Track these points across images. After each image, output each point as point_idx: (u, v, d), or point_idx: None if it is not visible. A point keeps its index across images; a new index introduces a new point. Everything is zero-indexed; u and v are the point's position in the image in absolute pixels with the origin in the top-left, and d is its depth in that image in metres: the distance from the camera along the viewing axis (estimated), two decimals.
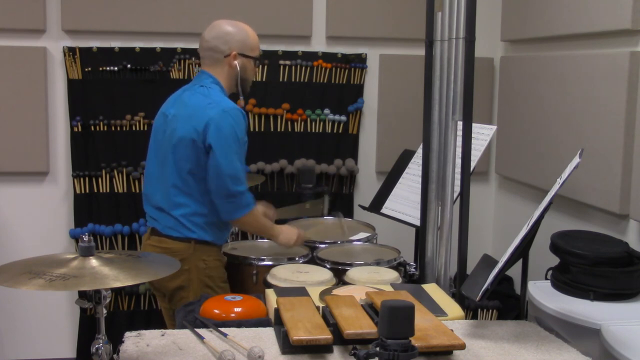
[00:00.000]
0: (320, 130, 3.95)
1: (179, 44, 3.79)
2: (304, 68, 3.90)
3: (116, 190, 3.79)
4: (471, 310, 3.11)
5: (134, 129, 3.78)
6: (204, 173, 2.52)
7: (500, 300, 3.25)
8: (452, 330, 1.78)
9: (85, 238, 1.72)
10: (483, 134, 2.93)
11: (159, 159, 2.64)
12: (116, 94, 3.76)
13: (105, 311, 1.69)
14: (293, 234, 2.76)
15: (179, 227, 2.57)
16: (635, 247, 2.68)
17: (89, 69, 3.72)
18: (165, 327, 2.74)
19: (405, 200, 3.08)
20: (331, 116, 3.93)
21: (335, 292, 2.18)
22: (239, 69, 2.63)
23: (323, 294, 2.17)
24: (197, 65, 3.77)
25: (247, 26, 2.69)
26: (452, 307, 2.15)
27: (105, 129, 3.76)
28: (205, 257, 2.59)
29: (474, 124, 2.52)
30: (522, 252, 2.08)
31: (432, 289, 2.32)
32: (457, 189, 2.60)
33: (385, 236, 3.19)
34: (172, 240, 2.58)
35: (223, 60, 2.63)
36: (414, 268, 2.80)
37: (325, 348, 1.77)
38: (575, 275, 2.54)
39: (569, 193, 3.07)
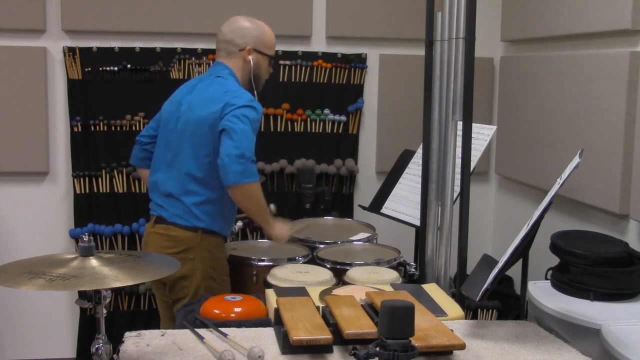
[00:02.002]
0: (320, 130, 3.95)
1: (179, 44, 3.79)
2: (304, 68, 3.90)
3: (116, 190, 3.79)
4: (471, 310, 3.11)
5: (134, 129, 3.77)
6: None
7: (500, 300, 3.25)
8: (452, 330, 1.78)
9: (85, 238, 1.72)
10: (483, 134, 2.93)
11: (171, 146, 2.64)
12: (116, 94, 3.76)
13: (105, 311, 1.69)
14: (286, 230, 2.71)
15: (187, 216, 2.57)
16: (635, 247, 2.68)
17: (89, 69, 3.72)
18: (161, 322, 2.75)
19: (405, 200, 3.08)
20: (331, 116, 3.93)
21: (335, 292, 2.18)
22: (252, 64, 2.65)
23: (323, 294, 2.17)
24: (197, 66, 3.77)
25: (265, 25, 2.73)
26: (452, 307, 2.16)
27: (105, 129, 3.76)
28: (211, 247, 2.60)
29: (474, 124, 2.52)
30: (522, 252, 2.08)
31: (432, 289, 2.33)
32: (457, 189, 2.60)
33: (385, 236, 3.19)
34: (179, 229, 2.58)
35: (238, 53, 2.66)
36: (414, 268, 2.80)
37: (325, 348, 1.77)
38: (575, 275, 2.54)
39: (569, 193, 3.07)
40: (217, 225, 2.61)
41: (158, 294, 2.79)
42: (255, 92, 2.69)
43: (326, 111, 3.93)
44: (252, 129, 2.49)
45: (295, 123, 3.92)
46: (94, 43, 3.74)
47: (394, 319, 1.44)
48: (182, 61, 3.79)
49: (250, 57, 2.65)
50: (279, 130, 3.90)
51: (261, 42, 2.68)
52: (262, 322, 2.05)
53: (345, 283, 2.45)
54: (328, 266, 2.67)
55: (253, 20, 2.71)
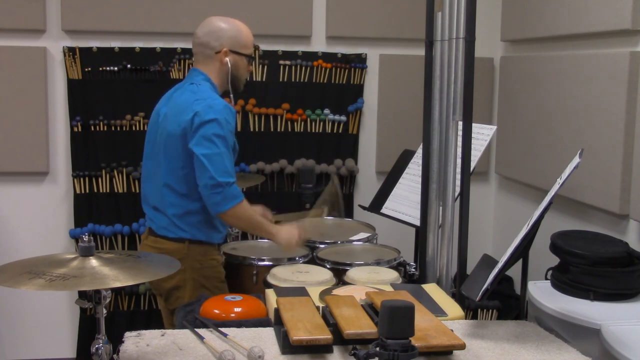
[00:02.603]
0: (320, 130, 3.95)
1: (179, 44, 3.79)
2: (304, 68, 3.90)
3: (116, 190, 3.79)
4: (471, 310, 3.11)
5: (134, 129, 3.78)
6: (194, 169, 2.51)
7: (500, 300, 3.25)
8: (452, 330, 1.78)
9: (85, 238, 1.72)
10: (483, 134, 2.93)
11: (153, 158, 2.63)
12: (116, 94, 3.76)
13: (105, 311, 1.69)
14: (293, 233, 2.66)
15: (172, 227, 2.57)
16: (635, 247, 2.68)
17: (89, 69, 3.72)
18: (164, 328, 2.75)
19: (405, 200, 3.08)
20: (331, 116, 3.93)
21: (335, 292, 2.18)
22: (229, 66, 2.60)
23: (323, 294, 2.17)
24: None
25: (240, 23, 2.65)
26: (452, 307, 2.15)
27: (105, 129, 3.76)
28: (200, 257, 2.58)
29: (474, 124, 2.52)
30: (522, 252, 2.08)
31: (432, 289, 2.33)
32: (457, 189, 2.60)
33: (385, 236, 3.19)
34: (166, 241, 2.57)
35: (214, 56, 2.60)
36: (414, 268, 2.79)
37: (325, 348, 1.77)
38: (575, 275, 2.54)
39: (569, 193, 3.07)
40: (203, 235, 2.58)
41: (160, 302, 2.79)
42: (233, 94, 2.64)
43: (326, 111, 3.93)
44: (226, 146, 2.45)
45: (295, 123, 3.92)
46: (94, 43, 3.74)
47: (394, 319, 1.44)
48: (182, 61, 3.79)
49: (227, 59, 2.59)
50: (279, 130, 3.90)
51: (237, 43, 2.61)
52: (262, 322, 2.05)
53: (345, 283, 2.44)
54: (328, 266, 2.66)
55: (228, 20, 2.63)
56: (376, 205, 3.24)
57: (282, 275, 2.47)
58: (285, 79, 3.90)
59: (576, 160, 2.07)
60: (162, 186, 2.57)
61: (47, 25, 3.72)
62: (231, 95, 2.64)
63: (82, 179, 3.76)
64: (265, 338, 1.89)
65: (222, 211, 2.45)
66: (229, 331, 1.91)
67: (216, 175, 2.41)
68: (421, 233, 2.77)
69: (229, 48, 2.60)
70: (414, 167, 3.13)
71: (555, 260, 2.68)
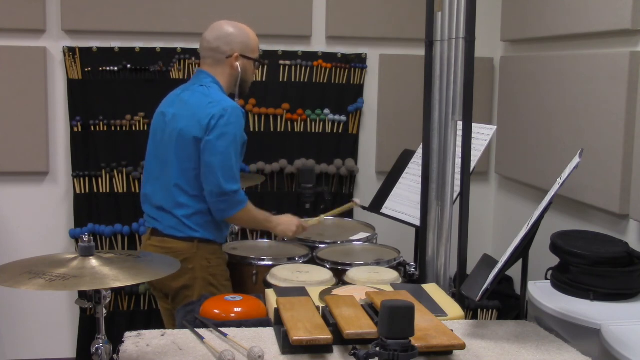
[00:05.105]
0: (320, 130, 3.95)
1: (179, 44, 3.79)
2: (304, 68, 3.90)
3: (116, 190, 3.79)
4: (471, 310, 3.11)
5: (134, 129, 3.78)
6: None
7: (500, 300, 3.25)
8: (452, 330, 1.78)
9: (85, 238, 1.72)
10: (483, 134, 2.93)
11: (159, 158, 2.64)
12: (116, 94, 3.76)
13: (105, 311, 1.69)
14: (292, 223, 2.76)
15: (181, 227, 2.57)
16: (635, 247, 2.68)
17: (89, 69, 3.72)
18: (164, 328, 2.75)
19: (405, 200, 3.08)
20: (331, 116, 3.93)
21: (335, 292, 2.18)
22: (240, 70, 2.64)
23: (323, 294, 2.17)
24: (197, 65, 3.77)
25: (248, 28, 2.71)
26: (452, 307, 2.15)
27: (105, 129, 3.76)
28: (208, 255, 2.59)
29: (474, 124, 2.52)
30: (522, 252, 2.08)
31: (432, 289, 2.33)
32: (457, 188, 2.60)
33: (385, 236, 3.19)
34: (175, 240, 2.58)
35: (225, 61, 2.64)
36: (414, 268, 2.80)
37: (325, 348, 1.77)
38: (575, 275, 2.54)
39: (569, 193, 3.07)
40: (212, 234, 2.60)
41: (161, 304, 2.79)
42: (237, 97, 2.70)
43: (326, 111, 3.93)
44: (235, 149, 2.51)
45: (295, 123, 3.92)
46: (94, 43, 3.75)
47: (394, 319, 1.44)
48: (182, 61, 3.80)
49: (237, 64, 2.64)
50: (279, 130, 3.90)
51: (247, 47, 2.66)
52: (262, 322, 2.05)
53: (345, 283, 2.44)
54: (328, 266, 2.66)
55: (237, 25, 2.68)
56: (376, 205, 3.24)
57: (282, 275, 2.47)
58: (285, 79, 3.90)
59: (576, 160, 2.07)
60: (171, 186, 2.57)
61: (47, 25, 3.72)
62: (236, 98, 2.69)
63: (82, 179, 3.76)
64: (265, 338, 1.89)
65: (226, 217, 2.57)
66: (229, 331, 1.91)
67: (223, 183, 2.48)
68: (421, 233, 2.77)
69: (240, 53, 2.64)
70: (414, 167, 3.14)
71: (555, 260, 2.68)
